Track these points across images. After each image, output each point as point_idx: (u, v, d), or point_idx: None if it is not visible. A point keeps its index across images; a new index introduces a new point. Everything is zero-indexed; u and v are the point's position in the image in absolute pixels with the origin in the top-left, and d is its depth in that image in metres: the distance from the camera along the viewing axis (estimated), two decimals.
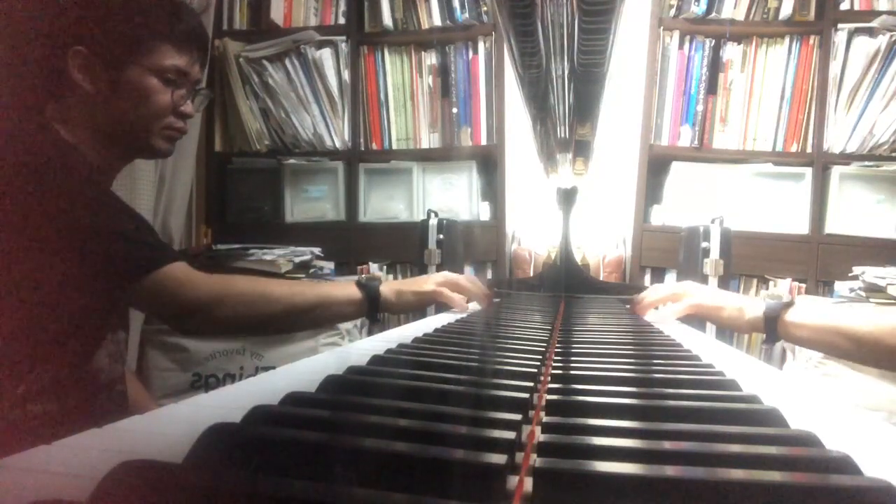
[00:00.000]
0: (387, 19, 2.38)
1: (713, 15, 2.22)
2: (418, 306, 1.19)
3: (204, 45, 1.07)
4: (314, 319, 1.12)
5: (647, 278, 2.28)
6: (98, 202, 0.93)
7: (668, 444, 0.32)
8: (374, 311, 1.12)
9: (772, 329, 1.00)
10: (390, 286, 1.14)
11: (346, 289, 1.12)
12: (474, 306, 1.24)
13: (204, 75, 1.10)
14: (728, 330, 1.27)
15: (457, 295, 1.15)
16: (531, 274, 2.29)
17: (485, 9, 2.33)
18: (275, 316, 1.05)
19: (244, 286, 1.05)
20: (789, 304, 1.01)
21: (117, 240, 0.91)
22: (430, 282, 1.17)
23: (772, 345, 1.07)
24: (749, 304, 1.06)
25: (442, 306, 1.21)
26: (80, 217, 0.88)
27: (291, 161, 2.45)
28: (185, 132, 1.06)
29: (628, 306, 1.28)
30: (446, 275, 1.21)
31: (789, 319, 0.99)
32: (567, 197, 1.68)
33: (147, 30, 0.97)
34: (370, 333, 1.61)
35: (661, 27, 2.26)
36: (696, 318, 1.16)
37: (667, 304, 1.20)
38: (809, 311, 0.99)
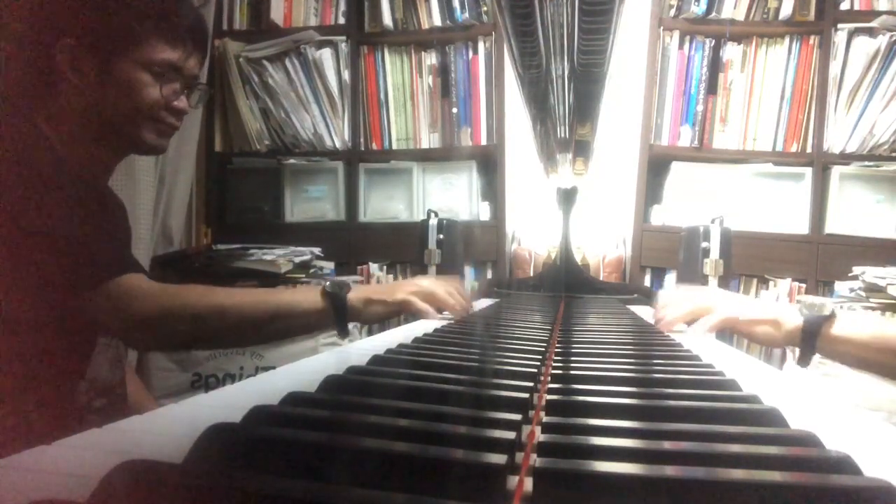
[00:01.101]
0: (387, 19, 2.38)
1: (713, 15, 2.22)
2: (387, 316, 1.08)
3: (201, 40, 1.03)
4: (274, 332, 1.03)
5: (647, 278, 2.28)
6: (64, 204, 0.88)
7: (668, 445, 0.32)
8: (343, 322, 1.01)
9: (810, 344, 0.88)
10: (359, 294, 1.03)
11: (308, 297, 1.01)
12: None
13: (203, 70, 1.07)
14: (762, 345, 1.09)
15: (427, 306, 1.04)
16: (531, 274, 2.29)
17: (485, 9, 2.33)
18: (228, 329, 0.97)
19: (194, 298, 0.96)
20: (830, 317, 0.88)
21: (73, 246, 0.86)
22: (402, 290, 1.05)
23: (806, 364, 0.91)
24: (784, 314, 0.93)
25: (412, 316, 1.10)
26: (37, 220, 0.84)
27: (291, 161, 2.45)
28: (176, 128, 1.02)
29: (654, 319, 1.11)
30: (421, 284, 1.08)
31: (833, 333, 0.87)
32: (567, 197, 1.68)
33: (137, 22, 0.94)
34: (370, 334, 1.61)
35: (661, 27, 2.26)
36: (724, 333, 1.06)
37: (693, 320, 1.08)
38: (855, 324, 0.88)
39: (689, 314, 1.01)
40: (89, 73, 0.93)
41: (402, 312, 1.09)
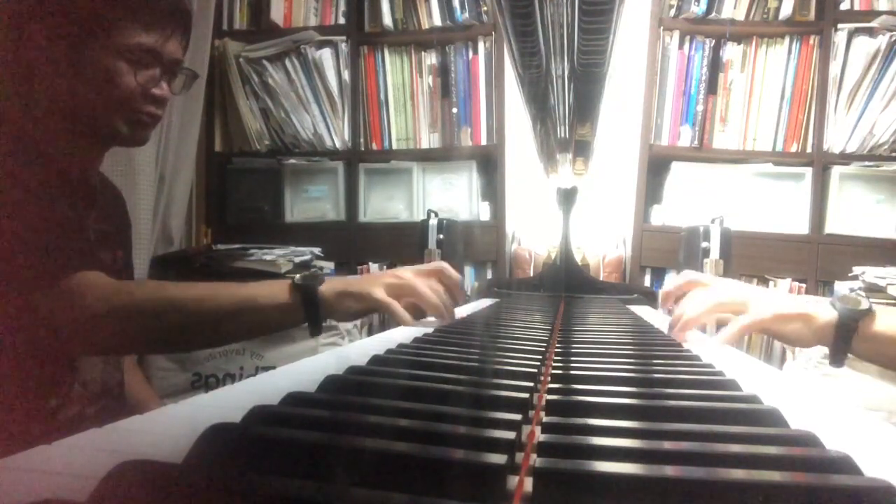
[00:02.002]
0: (387, 19, 2.38)
1: (713, 15, 2.22)
2: (365, 313, 0.95)
3: (181, 20, 0.95)
4: (239, 328, 0.92)
5: (647, 278, 2.28)
6: (27, 199, 0.82)
7: (668, 445, 0.32)
8: (314, 317, 0.90)
9: (844, 342, 0.79)
10: (333, 285, 0.91)
11: (276, 290, 0.90)
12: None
13: (185, 54, 0.98)
14: (790, 345, 0.95)
15: (404, 313, 0.91)
16: (531, 274, 2.29)
17: (485, 9, 2.33)
18: (187, 326, 0.87)
19: (148, 292, 0.88)
20: (868, 312, 0.79)
21: (28, 243, 0.80)
22: (380, 284, 0.92)
23: (839, 363, 0.82)
24: (816, 308, 0.83)
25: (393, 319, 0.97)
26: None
27: (291, 161, 2.45)
28: (157, 117, 0.95)
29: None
30: (403, 276, 0.94)
31: (874, 330, 0.78)
32: (567, 197, 1.68)
33: (106, 5, 0.88)
34: (370, 333, 1.60)
35: (661, 27, 2.26)
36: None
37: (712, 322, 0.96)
38: None
39: (714, 309, 0.87)
40: (62, 61, 0.87)
41: (377, 311, 0.96)
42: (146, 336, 0.87)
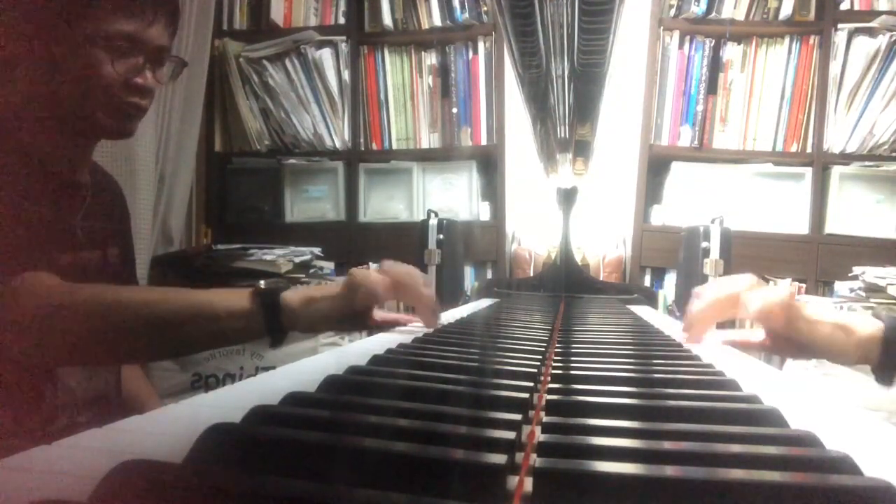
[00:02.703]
0: (387, 19, 2.38)
1: (713, 15, 2.22)
2: (336, 326, 0.87)
3: (165, 5, 0.88)
4: (192, 338, 0.81)
5: (647, 278, 2.28)
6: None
7: (668, 445, 0.32)
8: (274, 326, 0.80)
9: (891, 358, 0.69)
10: (299, 293, 0.82)
11: (233, 297, 0.80)
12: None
13: (172, 40, 0.92)
14: (829, 360, 0.80)
15: (382, 320, 0.86)
16: (531, 274, 2.29)
17: (485, 9, 2.33)
18: (134, 333, 0.78)
19: (93, 293, 0.79)
20: None
21: None
22: (351, 294, 0.83)
23: (889, 383, 0.71)
24: (855, 319, 0.73)
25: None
26: None
27: (291, 161, 2.45)
28: (142, 108, 0.88)
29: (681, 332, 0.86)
30: (368, 282, 0.83)
31: None
32: (567, 197, 1.68)
33: None
34: (370, 333, 1.58)
35: (661, 27, 2.26)
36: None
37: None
38: None
39: (724, 303, 0.76)
40: (37, 50, 0.82)
41: (355, 324, 0.88)
42: (92, 342, 0.77)
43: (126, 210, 1.07)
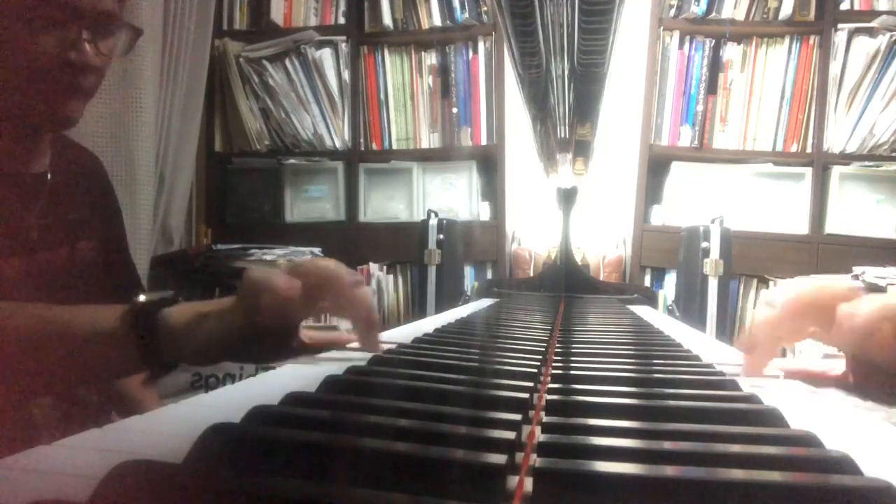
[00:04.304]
0: (387, 19, 2.38)
1: (713, 15, 2.22)
2: (231, 354, 0.61)
3: None
4: (46, 366, 0.58)
5: (647, 278, 2.28)
6: None
7: (668, 445, 0.32)
8: (150, 350, 0.57)
9: None
10: (188, 311, 0.59)
11: (100, 314, 0.59)
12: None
13: (122, 4, 0.76)
14: None
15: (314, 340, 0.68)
16: (531, 274, 2.29)
17: (485, 9, 2.33)
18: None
19: None
20: None
21: None
22: (257, 306, 0.57)
23: None
24: None
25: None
26: None
27: (291, 161, 2.45)
28: (83, 90, 0.74)
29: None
30: (271, 283, 0.57)
31: None
32: (567, 197, 1.68)
33: None
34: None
35: (661, 27, 2.26)
36: None
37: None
38: None
39: (810, 316, 0.51)
40: None
41: (266, 349, 0.62)
42: None
43: (108, 190, 0.95)
